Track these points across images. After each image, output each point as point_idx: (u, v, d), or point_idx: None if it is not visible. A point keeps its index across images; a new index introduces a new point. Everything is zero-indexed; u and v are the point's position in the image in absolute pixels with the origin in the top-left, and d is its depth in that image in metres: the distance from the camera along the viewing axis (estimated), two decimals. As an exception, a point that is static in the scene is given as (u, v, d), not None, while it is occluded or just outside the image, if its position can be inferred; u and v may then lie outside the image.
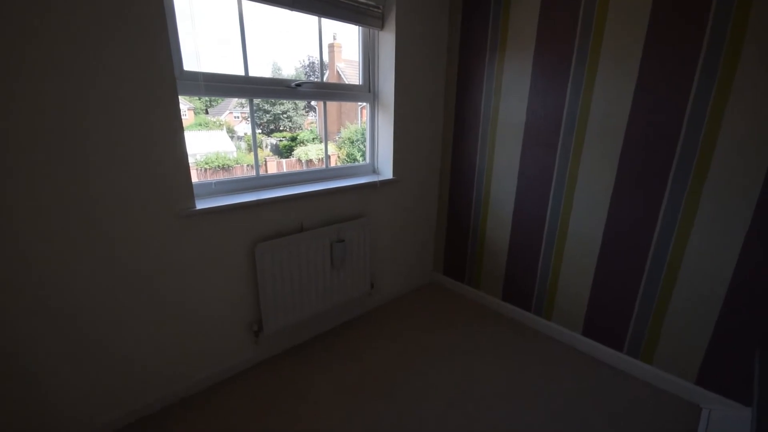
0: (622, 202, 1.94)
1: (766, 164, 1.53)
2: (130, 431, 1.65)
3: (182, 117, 1.58)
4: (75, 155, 1.35)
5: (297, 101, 3.78)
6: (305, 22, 2.05)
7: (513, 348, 2.25)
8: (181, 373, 1.79)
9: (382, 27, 2.28)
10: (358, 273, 2.34)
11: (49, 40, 1.24)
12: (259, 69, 1.92)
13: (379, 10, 2.23)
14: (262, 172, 2.08)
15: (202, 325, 1.81)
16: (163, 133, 1.52)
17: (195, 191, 1.73)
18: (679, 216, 1.77)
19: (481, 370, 2.06)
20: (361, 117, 2.60)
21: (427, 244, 2.97)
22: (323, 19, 2.07)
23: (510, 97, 2.29)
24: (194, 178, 1.70)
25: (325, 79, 2.23)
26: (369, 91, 2.42)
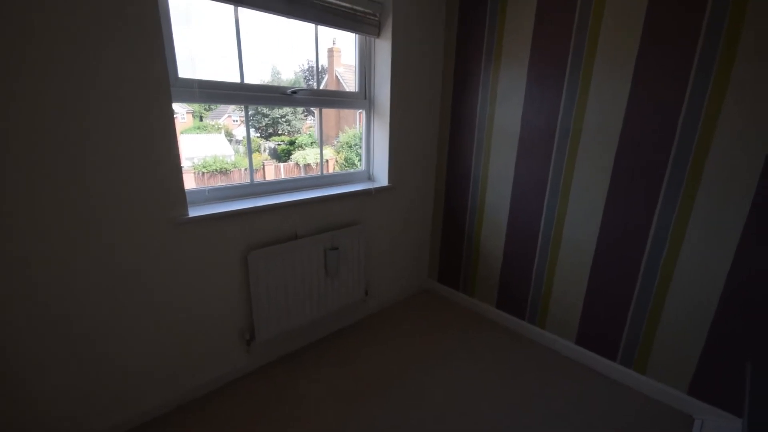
0: (616, 210, 1.95)
1: (757, 175, 1.54)
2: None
3: (181, 120, 1.58)
4: (75, 155, 1.36)
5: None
6: (304, 27, 2.06)
7: (507, 355, 2.25)
8: (172, 381, 1.79)
9: (378, 35, 2.29)
10: (352, 280, 2.34)
11: (49, 40, 1.25)
12: (258, 73, 1.92)
13: (376, 18, 2.24)
14: (259, 176, 2.08)
15: (194, 333, 1.81)
16: (158, 139, 1.52)
17: (189, 198, 1.73)
18: (672, 224, 1.78)
19: (475, 378, 2.06)
20: (360, 121, 2.61)
21: (422, 252, 2.97)
22: (320, 27, 2.08)
23: (505, 104, 2.30)
24: (192, 183, 1.70)
25: (324, 83, 2.24)
26: (365, 99, 2.43)
